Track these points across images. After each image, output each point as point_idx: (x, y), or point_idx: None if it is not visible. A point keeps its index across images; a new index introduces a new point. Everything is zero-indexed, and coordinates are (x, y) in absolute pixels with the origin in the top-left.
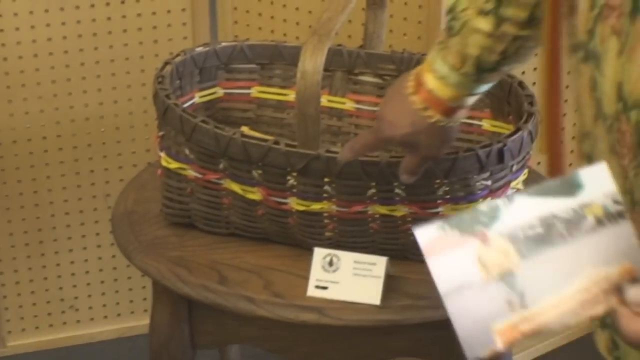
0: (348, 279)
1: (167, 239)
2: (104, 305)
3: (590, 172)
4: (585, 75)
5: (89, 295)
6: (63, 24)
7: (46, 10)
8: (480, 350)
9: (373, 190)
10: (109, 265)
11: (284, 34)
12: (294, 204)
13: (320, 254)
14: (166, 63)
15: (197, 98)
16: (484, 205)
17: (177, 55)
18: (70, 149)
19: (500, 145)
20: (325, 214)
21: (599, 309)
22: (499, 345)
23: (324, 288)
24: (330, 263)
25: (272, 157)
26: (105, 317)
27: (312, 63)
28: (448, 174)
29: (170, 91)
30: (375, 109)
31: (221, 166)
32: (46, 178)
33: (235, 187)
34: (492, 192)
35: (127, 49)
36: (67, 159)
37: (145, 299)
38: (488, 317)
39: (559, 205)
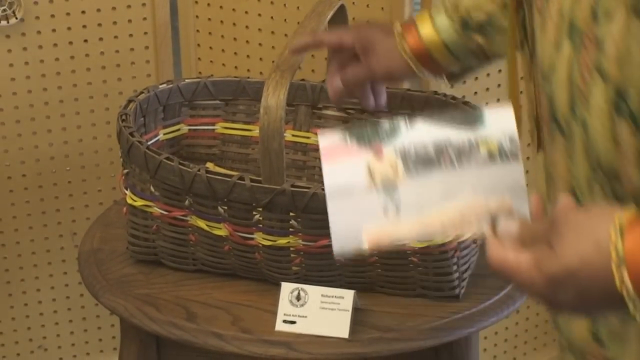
0: (316, 313)
1: (134, 276)
2: (73, 345)
3: (496, 112)
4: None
5: (58, 335)
6: (26, 63)
7: (9, 50)
8: (348, 248)
9: None
10: (77, 304)
11: (248, 70)
12: (260, 239)
13: (287, 288)
14: (130, 101)
15: (162, 135)
16: (387, 123)
17: (141, 92)
18: (36, 188)
19: None
20: (292, 249)
21: (467, 231)
22: (366, 245)
23: (292, 322)
24: (298, 297)
25: (237, 192)
26: (75, 356)
27: (275, 98)
28: None
29: (135, 129)
30: None
31: (186, 203)
32: (12, 218)
33: (201, 224)
34: None
35: (91, 87)
36: (33, 198)
37: (114, 337)
38: (362, 220)
39: (456, 135)
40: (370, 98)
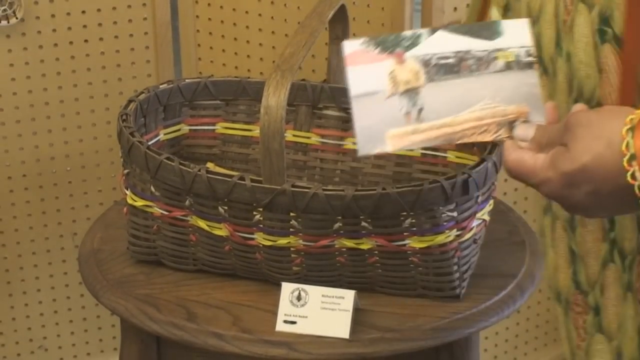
0: (316, 313)
1: (135, 277)
2: (74, 345)
3: (512, 24)
4: None
5: (58, 335)
6: (27, 63)
7: (9, 50)
8: (371, 148)
9: (339, 224)
10: (77, 304)
11: (248, 70)
12: (261, 239)
13: (288, 288)
14: (130, 101)
15: (162, 135)
16: (408, 32)
17: (141, 92)
18: (37, 189)
19: (465, 176)
20: (292, 249)
21: (487, 136)
22: (389, 147)
23: (293, 323)
24: (299, 297)
25: (237, 192)
26: (75, 356)
27: (275, 98)
28: (413, 206)
29: (135, 129)
30: (340, 142)
31: (187, 203)
32: (12, 218)
33: (202, 224)
34: (458, 223)
35: (92, 87)
36: (34, 198)
37: (114, 337)
38: (385, 122)
39: (475, 45)
40: None
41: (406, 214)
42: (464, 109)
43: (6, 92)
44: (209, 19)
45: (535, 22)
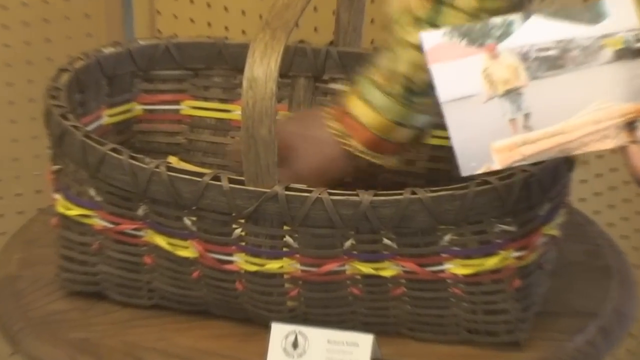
0: None
1: (67, 314)
2: None
3: (615, 3)
4: None
5: None
6: None
7: None
8: (476, 166)
9: (351, 242)
10: None
11: (226, 28)
12: (242, 262)
13: (280, 331)
14: (62, 70)
15: (106, 118)
16: (497, 18)
17: (78, 59)
18: None
19: (526, 175)
20: (286, 276)
21: (607, 143)
22: (497, 164)
23: None
24: (295, 344)
25: (210, 197)
26: None
27: (263, 68)
28: (455, 216)
29: (69, 109)
30: None
31: (140, 212)
32: None
33: (161, 241)
34: (517, 241)
35: (9, 51)
36: None
37: None
38: (488, 133)
39: (578, 31)
40: None
41: (445, 227)
42: (576, 111)
43: None
44: None
45: None
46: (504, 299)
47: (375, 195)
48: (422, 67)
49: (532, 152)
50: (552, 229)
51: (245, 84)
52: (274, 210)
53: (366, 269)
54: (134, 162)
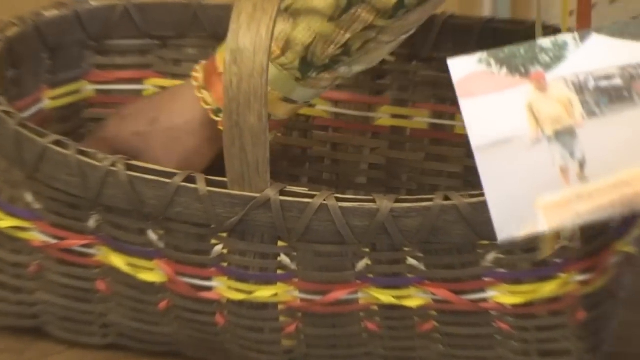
0: None
1: None
2: None
3: None
4: None
5: None
6: None
7: None
8: (516, 229)
9: (366, 262)
10: None
11: None
12: (225, 289)
13: None
14: None
15: (48, 101)
16: (546, 40)
17: (11, 24)
18: None
19: None
20: (282, 307)
21: None
22: (544, 225)
23: None
24: None
25: (182, 205)
26: None
27: (251, 35)
28: None
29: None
30: (370, 114)
31: (92, 223)
32: None
33: (118, 261)
34: (580, 261)
35: None
36: None
37: None
38: (532, 186)
39: None
40: None
41: (488, 243)
42: None
43: None
44: None
45: None
46: (564, 336)
47: (397, 201)
48: (328, 38)
49: (589, 208)
50: (627, 246)
51: (228, 56)
52: (265, 220)
53: (385, 297)
54: (83, 158)
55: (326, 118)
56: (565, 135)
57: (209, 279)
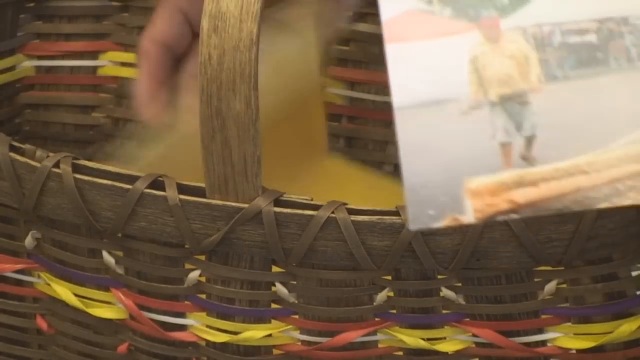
0: None
1: None
2: None
3: None
4: None
5: None
6: None
7: None
8: (434, 217)
9: (388, 293)
10: None
11: None
12: (202, 328)
13: None
14: None
15: None
16: None
17: None
18: None
19: None
20: (277, 352)
21: None
22: (469, 215)
23: None
24: None
25: (147, 218)
26: None
27: None
28: (565, 251)
29: None
30: (387, 99)
31: (29, 243)
32: None
33: (64, 292)
34: None
35: None
36: None
37: None
38: (462, 164)
39: (629, 5)
40: None
41: (547, 270)
42: (612, 138)
43: None
44: None
45: None
46: None
47: None
48: None
49: (530, 199)
50: None
51: (205, 24)
52: (255, 239)
53: (413, 340)
54: (17, 157)
55: (337, 101)
56: (513, 102)
57: (182, 315)
